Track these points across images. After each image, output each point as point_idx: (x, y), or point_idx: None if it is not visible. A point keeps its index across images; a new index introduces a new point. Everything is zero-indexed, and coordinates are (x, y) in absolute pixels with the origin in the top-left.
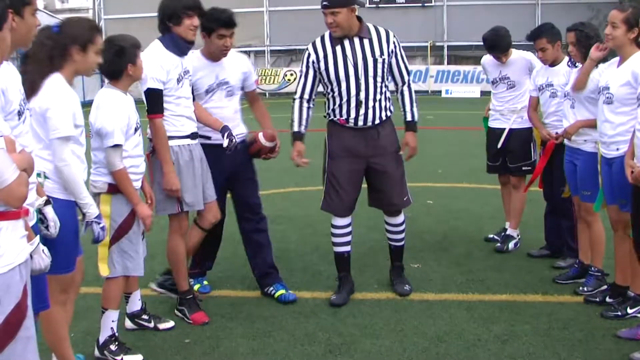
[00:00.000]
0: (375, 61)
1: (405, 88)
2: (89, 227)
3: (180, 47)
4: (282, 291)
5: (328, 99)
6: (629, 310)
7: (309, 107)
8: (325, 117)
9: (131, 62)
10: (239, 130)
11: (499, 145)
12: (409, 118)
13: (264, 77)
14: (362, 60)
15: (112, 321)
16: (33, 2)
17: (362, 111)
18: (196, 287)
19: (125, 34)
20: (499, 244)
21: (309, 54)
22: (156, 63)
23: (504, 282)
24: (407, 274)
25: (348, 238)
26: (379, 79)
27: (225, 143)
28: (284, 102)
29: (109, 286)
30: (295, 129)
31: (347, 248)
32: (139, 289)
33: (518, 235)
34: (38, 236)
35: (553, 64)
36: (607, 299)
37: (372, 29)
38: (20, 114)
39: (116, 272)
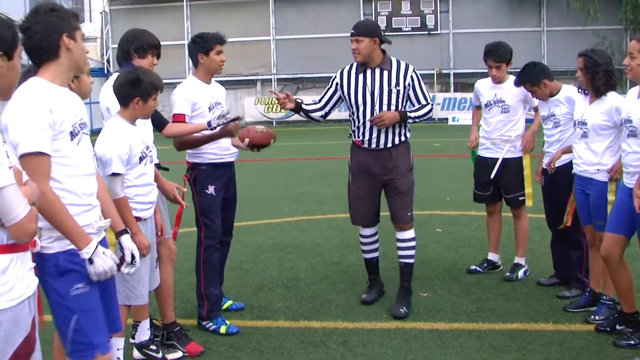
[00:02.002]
0: (390, 91)
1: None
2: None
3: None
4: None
5: (351, 120)
6: None
7: (319, 108)
8: (349, 136)
9: (142, 97)
10: (233, 149)
11: (492, 176)
12: (407, 109)
13: (271, 106)
14: (378, 89)
15: (118, 349)
16: (80, 28)
17: (375, 135)
18: (227, 304)
19: (155, 74)
20: (508, 273)
21: (336, 77)
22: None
23: (514, 310)
24: (417, 302)
25: (375, 245)
26: (392, 108)
27: (215, 119)
28: (291, 130)
29: None
30: (299, 101)
31: (375, 254)
32: (149, 317)
33: (526, 264)
34: (95, 239)
35: (552, 94)
36: (618, 327)
37: (394, 62)
38: (73, 134)
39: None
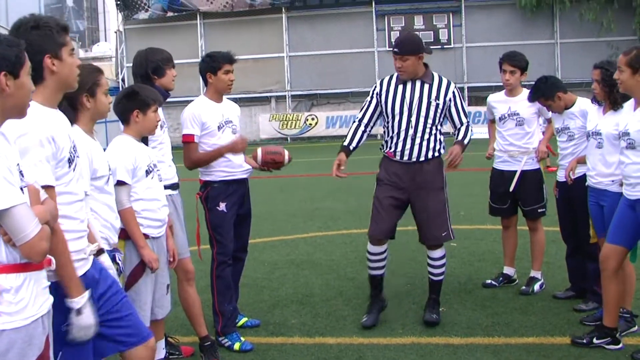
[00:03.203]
0: (429, 104)
1: (463, 127)
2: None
3: (162, 97)
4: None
5: (385, 131)
6: None
7: (364, 131)
8: (380, 148)
9: (140, 109)
10: (246, 165)
11: (511, 189)
12: (459, 138)
13: (285, 122)
14: (417, 100)
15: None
16: (67, 42)
17: (407, 146)
18: (242, 321)
19: (153, 89)
20: (524, 287)
21: (376, 87)
22: None
23: (530, 324)
24: None
25: (384, 263)
26: (429, 121)
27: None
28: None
29: None
30: (345, 143)
31: (381, 272)
32: (165, 336)
33: (542, 277)
34: (87, 292)
35: (566, 107)
36: (595, 340)
37: (435, 77)
38: (70, 161)
39: None
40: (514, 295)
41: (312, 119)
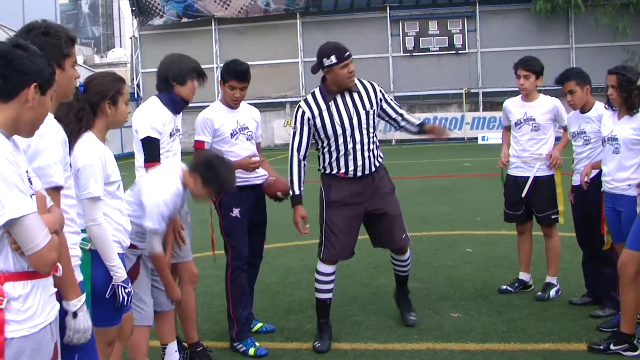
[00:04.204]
0: (367, 113)
1: (406, 116)
2: (114, 289)
3: (176, 105)
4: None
5: (323, 154)
6: None
7: (304, 165)
8: (319, 170)
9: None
10: (260, 171)
11: (524, 195)
12: (419, 121)
13: None
14: (355, 113)
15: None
16: (72, 54)
17: (359, 162)
18: (257, 326)
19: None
20: (540, 293)
21: (304, 112)
22: (154, 115)
23: (546, 330)
24: (447, 323)
25: (333, 285)
26: (371, 130)
27: None
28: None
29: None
30: (297, 191)
31: (330, 295)
32: (176, 339)
33: (558, 283)
34: (84, 294)
35: (584, 110)
36: (612, 347)
37: (358, 83)
38: (71, 165)
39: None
40: (530, 301)
41: None
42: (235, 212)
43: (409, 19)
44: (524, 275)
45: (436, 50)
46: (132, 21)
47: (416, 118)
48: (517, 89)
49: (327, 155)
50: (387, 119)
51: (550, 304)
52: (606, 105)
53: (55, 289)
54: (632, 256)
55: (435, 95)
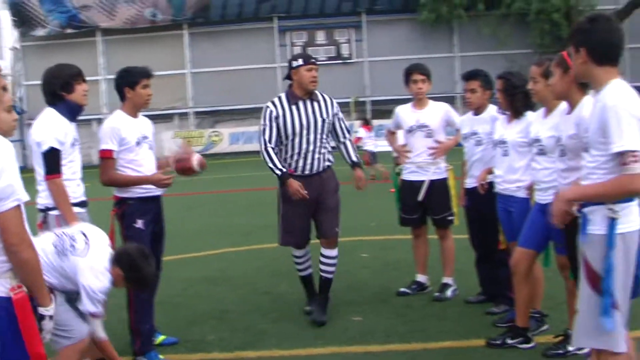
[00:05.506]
0: (323, 121)
1: (347, 141)
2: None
3: (74, 112)
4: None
5: (280, 150)
6: (570, 348)
7: (277, 152)
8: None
9: None
10: None
11: (420, 198)
12: (354, 159)
13: (189, 139)
14: (312, 119)
15: None
16: None
17: (308, 161)
18: (160, 339)
19: None
20: (436, 293)
21: (271, 110)
22: (55, 126)
23: (445, 329)
24: (349, 327)
25: (309, 262)
26: (324, 136)
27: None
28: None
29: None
30: (279, 172)
31: (310, 270)
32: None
33: (455, 283)
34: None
35: (478, 112)
36: (509, 341)
37: (319, 95)
38: None
39: None
40: (428, 302)
41: (216, 135)
42: (139, 223)
43: (296, 29)
44: (421, 277)
45: (324, 60)
46: (13, 32)
47: (355, 155)
48: (405, 97)
49: (283, 153)
50: (332, 132)
51: (447, 304)
52: (498, 110)
53: None
54: (524, 254)
55: None
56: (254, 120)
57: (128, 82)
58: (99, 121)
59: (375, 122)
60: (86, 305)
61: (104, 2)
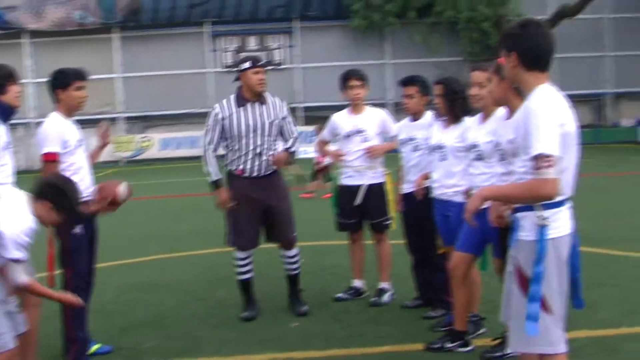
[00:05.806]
0: (271, 123)
1: (292, 139)
2: None
3: (6, 114)
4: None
5: (229, 152)
6: (507, 351)
7: (216, 156)
8: (225, 166)
9: None
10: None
11: (357, 202)
12: (288, 146)
13: (118, 145)
14: (260, 121)
15: None
16: None
17: (257, 163)
18: (94, 348)
19: None
20: (373, 298)
21: (218, 112)
22: None
23: (383, 334)
24: (289, 332)
25: (251, 267)
26: (272, 137)
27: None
28: (141, 169)
29: None
30: (215, 177)
31: (251, 274)
32: None
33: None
34: None
35: (415, 117)
36: (448, 345)
37: (269, 97)
38: None
39: None
40: (366, 307)
41: (148, 140)
42: (77, 228)
43: (228, 34)
44: (357, 282)
45: None
46: None
47: (294, 146)
48: (338, 103)
49: (230, 154)
50: (280, 134)
51: (385, 309)
52: (435, 115)
53: None
54: (461, 258)
55: None
56: (184, 126)
57: (60, 83)
58: (25, 125)
59: (308, 128)
60: (10, 251)
61: (31, 3)
